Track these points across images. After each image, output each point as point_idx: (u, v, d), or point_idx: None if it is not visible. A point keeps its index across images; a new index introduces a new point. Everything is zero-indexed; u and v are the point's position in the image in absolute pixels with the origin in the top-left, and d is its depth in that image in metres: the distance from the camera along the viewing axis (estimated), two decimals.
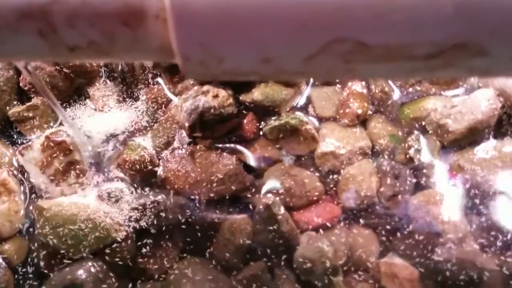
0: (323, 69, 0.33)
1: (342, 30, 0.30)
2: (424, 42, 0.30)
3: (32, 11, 0.33)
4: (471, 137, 0.67)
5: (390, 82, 0.74)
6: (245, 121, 0.71)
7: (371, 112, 0.73)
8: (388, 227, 0.66)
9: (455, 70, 0.33)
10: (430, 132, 0.70)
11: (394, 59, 0.32)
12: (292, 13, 0.29)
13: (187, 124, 0.68)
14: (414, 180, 0.67)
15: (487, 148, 0.67)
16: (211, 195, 0.68)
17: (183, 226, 0.67)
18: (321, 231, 0.66)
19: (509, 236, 0.63)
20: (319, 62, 0.32)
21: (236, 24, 0.30)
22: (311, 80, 0.76)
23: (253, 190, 0.68)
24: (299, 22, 0.29)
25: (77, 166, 0.67)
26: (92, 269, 0.62)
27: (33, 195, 0.68)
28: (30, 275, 0.65)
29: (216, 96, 0.69)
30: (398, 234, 0.65)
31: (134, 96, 0.75)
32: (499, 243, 0.64)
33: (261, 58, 0.32)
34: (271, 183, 0.68)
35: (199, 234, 0.67)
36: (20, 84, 0.73)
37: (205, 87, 0.70)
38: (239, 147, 0.71)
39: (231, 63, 0.33)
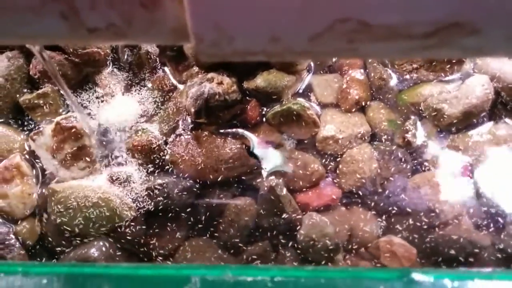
0: (329, 48, 0.36)
1: (345, 10, 0.32)
2: (422, 21, 0.33)
3: None
4: (466, 121, 0.70)
5: (388, 69, 0.76)
6: (248, 107, 0.74)
7: (370, 99, 0.75)
8: (386, 207, 0.68)
9: (449, 49, 0.36)
10: (427, 116, 0.72)
11: (394, 38, 0.34)
12: None
13: (193, 110, 0.70)
14: (412, 163, 0.70)
15: (482, 131, 0.70)
16: (216, 178, 0.70)
17: (190, 208, 0.69)
18: (322, 211, 0.69)
19: (501, 215, 0.66)
20: (324, 41, 0.34)
21: (247, 4, 0.32)
22: (312, 67, 0.78)
23: (257, 173, 0.71)
24: (304, 3, 0.32)
25: (87, 151, 0.69)
26: (104, 248, 0.65)
27: (45, 179, 0.70)
28: (44, 254, 0.67)
29: (220, 83, 0.71)
30: (397, 214, 0.68)
31: (141, 84, 0.77)
32: (492, 222, 0.66)
33: (270, 37, 0.34)
34: (274, 166, 0.71)
35: (205, 215, 0.69)
36: (30, 73, 0.75)
37: (210, 75, 0.72)
38: (243, 131, 0.73)
39: (241, 43, 0.35)
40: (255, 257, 0.67)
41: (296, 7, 0.32)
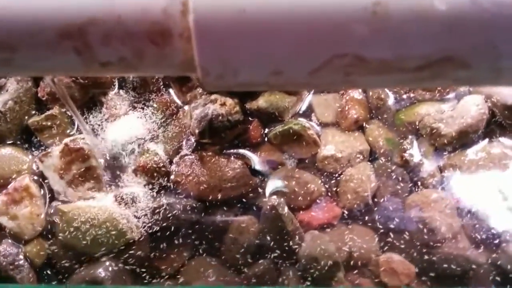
0: (326, 81, 0.38)
1: (341, 47, 0.34)
2: (414, 56, 0.35)
3: (70, 31, 0.37)
4: (462, 140, 0.72)
5: (386, 89, 0.79)
6: (251, 127, 0.76)
7: (369, 118, 0.77)
8: (385, 225, 0.70)
9: (441, 80, 0.38)
10: (423, 135, 0.74)
11: (388, 71, 0.36)
12: (297, 33, 0.34)
13: (197, 131, 0.72)
14: (409, 181, 0.72)
15: (477, 150, 0.72)
16: (220, 197, 0.72)
17: (194, 227, 0.71)
18: (323, 230, 0.70)
19: (497, 233, 0.68)
20: (322, 75, 0.37)
21: (250, 41, 0.35)
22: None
23: (259, 192, 0.73)
24: (304, 40, 0.34)
25: (94, 172, 0.71)
26: (110, 268, 0.67)
27: (53, 200, 0.72)
28: (52, 275, 0.69)
29: (223, 104, 0.73)
30: (395, 232, 0.70)
31: (146, 105, 0.79)
32: (488, 240, 0.68)
33: (272, 71, 0.37)
34: (275, 185, 0.73)
35: (209, 234, 0.71)
36: (39, 95, 0.78)
37: (213, 96, 0.75)
38: (245, 151, 0.75)
39: (245, 76, 0.38)
40: (258, 275, 0.68)
41: (295, 45, 0.34)
